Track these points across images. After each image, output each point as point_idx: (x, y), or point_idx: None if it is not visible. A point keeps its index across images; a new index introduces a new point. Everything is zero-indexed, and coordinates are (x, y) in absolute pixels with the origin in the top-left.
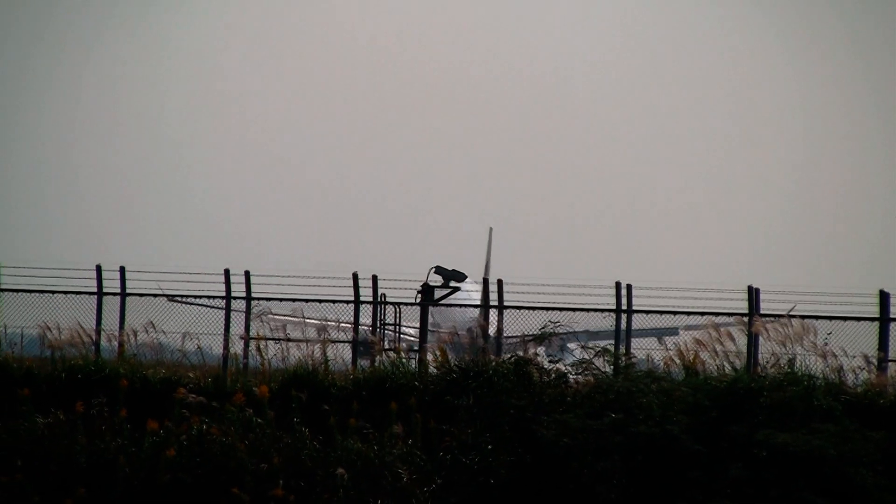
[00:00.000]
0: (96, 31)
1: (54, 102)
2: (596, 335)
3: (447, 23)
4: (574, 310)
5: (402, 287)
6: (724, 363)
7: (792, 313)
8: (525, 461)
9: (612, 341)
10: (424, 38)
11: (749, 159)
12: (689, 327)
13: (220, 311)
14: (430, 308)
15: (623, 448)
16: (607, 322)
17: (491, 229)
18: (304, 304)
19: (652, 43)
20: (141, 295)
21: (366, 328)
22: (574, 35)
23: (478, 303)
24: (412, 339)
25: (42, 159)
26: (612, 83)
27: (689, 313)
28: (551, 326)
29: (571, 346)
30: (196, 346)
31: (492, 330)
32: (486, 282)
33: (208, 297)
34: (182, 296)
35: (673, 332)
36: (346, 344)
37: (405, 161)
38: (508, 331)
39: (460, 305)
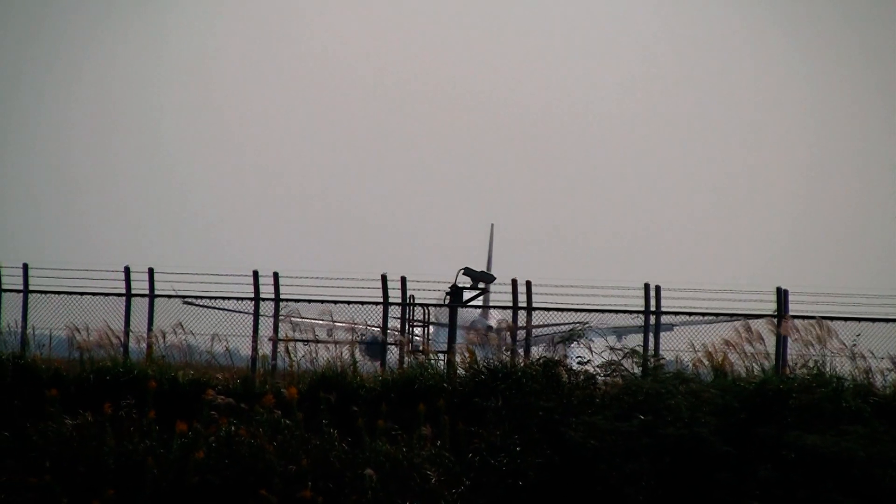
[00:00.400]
0: (126, 30)
1: (85, 104)
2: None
3: (469, 25)
4: (602, 311)
5: (430, 289)
6: (753, 364)
7: (820, 315)
8: (553, 463)
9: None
10: (446, 40)
11: (780, 160)
12: (708, 322)
13: (247, 313)
14: (434, 309)
15: (651, 450)
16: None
17: (492, 226)
18: (332, 305)
19: (678, 39)
20: (169, 297)
21: (374, 328)
22: (599, 35)
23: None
24: (419, 339)
25: (72, 162)
26: (640, 83)
27: (717, 314)
28: (580, 327)
29: (595, 341)
30: (224, 348)
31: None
32: (514, 282)
33: (237, 298)
34: (211, 297)
35: (668, 328)
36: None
37: (436, 164)
38: (537, 331)
39: (489, 307)
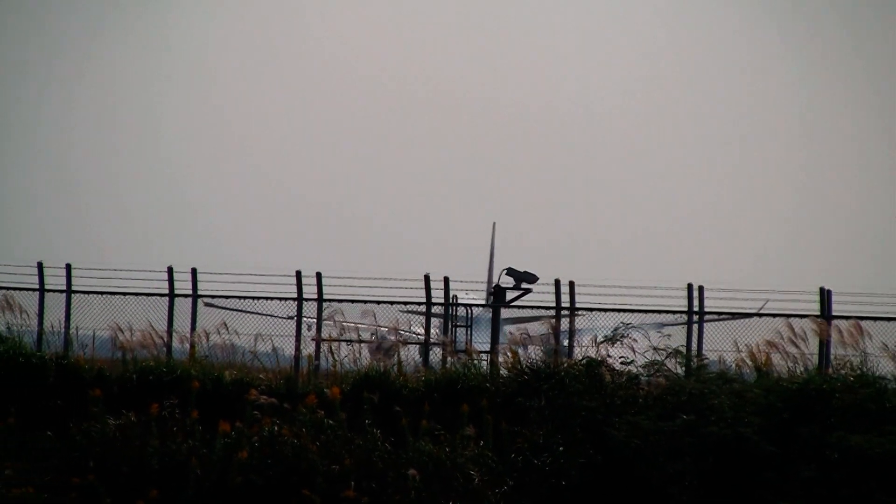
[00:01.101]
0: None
1: (130, 104)
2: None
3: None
4: (646, 311)
5: (473, 289)
6: (796, 365)
7: (862, 315)
8: (596, 463)
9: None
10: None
11: (824, 160)
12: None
13: (274, 316)
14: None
15: (695, 449)
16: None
17: (494, 224)
18: (375, 305)
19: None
20: (213, 296)
21: (384, 329)
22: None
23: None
24: (422, 336)
25: (116, 162)
26: (683, 79)
27: (760, 315)
28: (623, 328)
29: (638, 340)
30: (270, 348)
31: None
32: (557, 283)
33: (280, 298)
34: (253, 297)
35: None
36: (417, 345)
37: (479, 164)
38: (580, 334)
39: (530, 307)
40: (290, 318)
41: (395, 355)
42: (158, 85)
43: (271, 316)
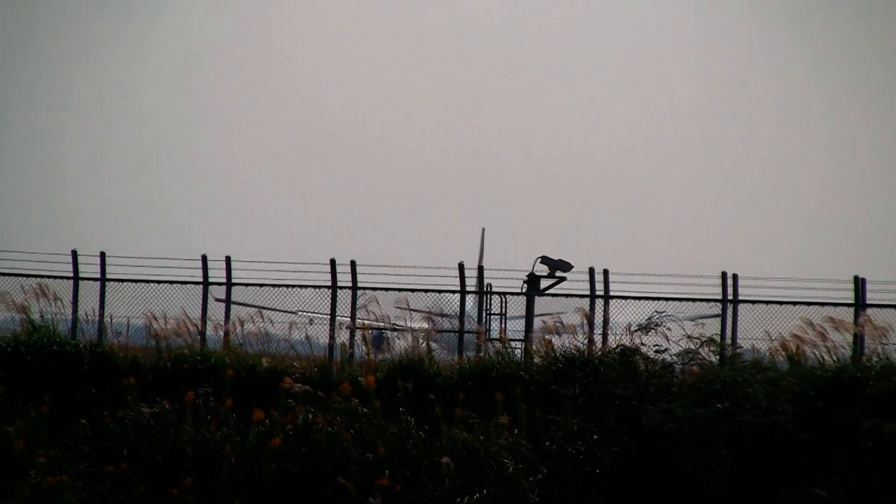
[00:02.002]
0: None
1: (162, 92)
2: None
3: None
4: (679, 300)
5: (508, 277)
6: (828, 354)
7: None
8: (630, 451)
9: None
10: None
11: (857, 147)
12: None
13: (289, 312)
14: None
15: (729, 437)
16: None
17: (483, 230)
18: (409, 293)
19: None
20: (246, 285)
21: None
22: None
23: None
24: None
25: (149, 151)
26: (717, 67)
27: (795, 303)
28: (657, 317)
29: (672, 329)
30: (304, 336)
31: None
32: (591, 271)
33: (314, 286)
34: (288, 286)
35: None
36: (452, 333)
37: (514, 152)
38: (614, 322)
39: (565, 295)
40: (300, 311)
41: (388, 348)
42: (192, 71)
43: (286, 312)
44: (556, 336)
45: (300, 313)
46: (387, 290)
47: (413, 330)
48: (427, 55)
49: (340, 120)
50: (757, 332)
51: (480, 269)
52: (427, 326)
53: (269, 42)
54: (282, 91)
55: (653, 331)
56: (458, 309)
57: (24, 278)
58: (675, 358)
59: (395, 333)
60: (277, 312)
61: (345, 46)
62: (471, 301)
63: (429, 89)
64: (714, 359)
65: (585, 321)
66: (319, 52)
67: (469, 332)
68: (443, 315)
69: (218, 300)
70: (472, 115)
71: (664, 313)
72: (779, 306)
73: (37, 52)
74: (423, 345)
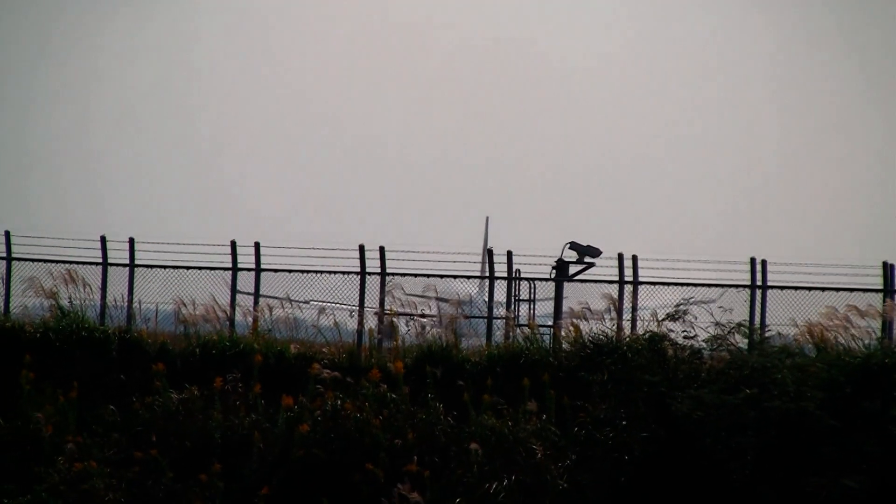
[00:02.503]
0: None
1: (190, 78)
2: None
3: None
4: (708, 285)
5: (536, 262)
6: (855, 340)
7: None
8: (659, 437)
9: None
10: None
11: (883, 134)
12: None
13: (302, 302)
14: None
15: (757, 423)
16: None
17: (487, 219)
18: (437, 279)
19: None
20: (276, 270)
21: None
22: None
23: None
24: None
25: (179, 136)
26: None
27: (823, 289)
28: (685, 304)
29: (699, 315)
30: (332, 322)
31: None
32: (620, 257)
33: (343, 272)
34: (317, 272)
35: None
36: (482, 319)
37: (543, 137)
38: (644, 307)
39: (594, 281)
40: (312, 301)
41: (393, 334)
42: (222, 56)
43: (302, 302)
44: (585, 322)
45: (311, 303)
46: (416, 275)
47: (436, 316)
48: (459, 39)
49: (369, 106)
50: (785, 318)
51: (509, 254)
52: (453, 312)
53: (299, 26)
54: (311, 78)
55: (681, 317)
56: (456, 293)
57: (54, 264)
58: (703, 344)
59: (407, 320)
60: (303, 295)
61: (376, 32)
62: (475, 287)
63: (458, 76)
64: (743, 345)
65: (614, 307)
66: (349, 38)
67: (498, 317)
68: (440, 299)
69: (241, 292)
70: (500, 101)
71: (692, 299)
72: (807, 292)
73: (67, 37)
74: (450, 331)
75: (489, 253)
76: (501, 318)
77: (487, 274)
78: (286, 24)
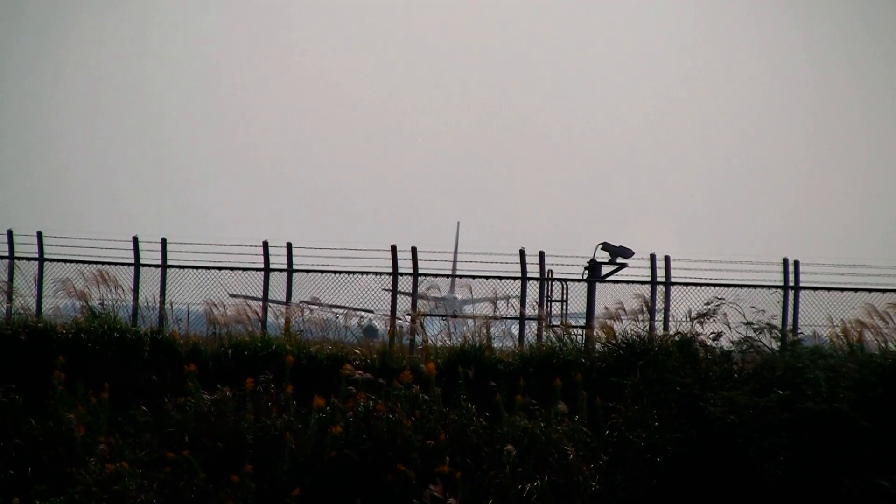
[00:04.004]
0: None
1: (222, 79)
2: None
3: None
4: (740, 286)
5: (569, 263)
6: (889, 341)
7: None
8: (691, 438)
9: None
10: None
11: None
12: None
13: (314, 304)
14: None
15: (790, 424)
16: None
17: (458, 223)
18: (470, 279)
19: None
20: (308, 271)
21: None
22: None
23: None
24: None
25: (210, 137)
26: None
27: (857, 289)
28: (715, 303)
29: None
30: (364, 323)
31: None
32: (653, 257)
33: (375, 273)
34: (349, 272)
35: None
36: (513, 321)
37: (577, 138)
38: (674, 309)
39: (626, 282)
40: (334, 307)
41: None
42: (251, 58)
43: (332, 306)
44: (617, 322)
45: (336, 311)
46: (448, 276)
47: (469, 317)
48: (489, 37)
49: (403, 107)
50: (819, 319)
51: (542, 254)
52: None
53: (335, 33)
54: (340, 82)
55: (712, 318)
56: (444, 293)
57: (86, 265)
58: (733, 345)
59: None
60: (335, 296)
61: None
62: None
63: (488, 76)
64: (774, 345)
65: (646, 308)
66: (384, 43)
67: (530, 318)
68: (428, 298)
69: (233, 296)
70: (532, 102)
71: (722, 300)
72: (840, 293)
73: (95, 38)
74: (483, 332)
75: (521, 254)
76: (533, 318)
77: (544, 271)
78: (327, 26)
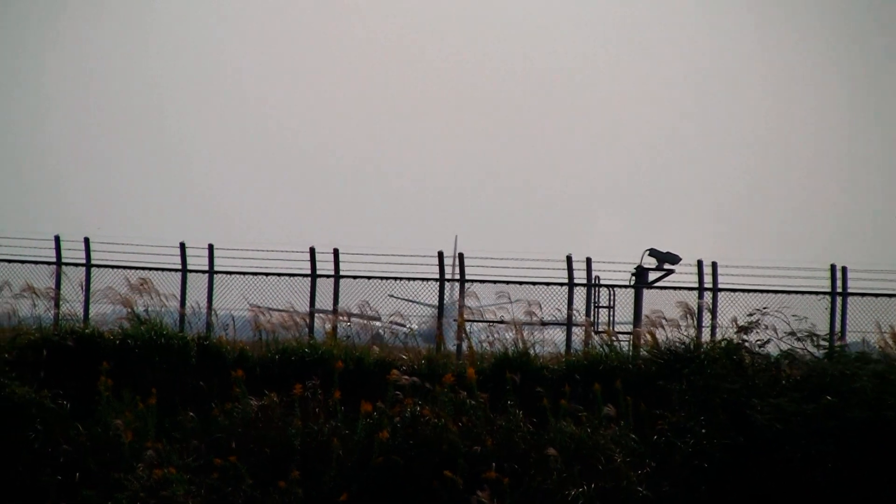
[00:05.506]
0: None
1: (266, 85)
2: None
3: None
4: (787, 292)
5: (616, 269)
6: None
7: None
8: (738, 444)
9: None
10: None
11: None
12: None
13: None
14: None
15: (837, 432)
16: None
17: (456, 237)
18: (517, 286)
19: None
20: (354, 277)
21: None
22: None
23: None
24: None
25: (259, 144)
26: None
27: None
28: (761, 312)
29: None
30: (409, 328)
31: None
32: (700, 264)
33: (423, 279)
34: (396, 278)
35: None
36: (559, 326)
37: (623, 145)
38: (721, 315)
39: (673, 288)
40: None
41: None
42: (298, 61)
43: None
44: (663, 329)
45: (380, 323)
46: (495, 282)
47: (512, 322)
48: (556, 38)
49: (450, 109)
50: (867, 325)
51: (588, 260)
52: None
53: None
54: (387, 83)
55: (759, 324)
56: (430, 300)
57: (132, 271)
58: (780, 351)
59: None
60: (382, 302)
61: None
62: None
63: (533, 78)
64: (821, 352)
65: (692, 314)
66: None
67: (578, 324)
68: (413, 303)
69: (253, 306)
70: (583, 106)
71: (757, 314)
72: (889, 299)
73: (150, 44)
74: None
75: (568, 260)
76: (581, 324)
77: (591, 277)
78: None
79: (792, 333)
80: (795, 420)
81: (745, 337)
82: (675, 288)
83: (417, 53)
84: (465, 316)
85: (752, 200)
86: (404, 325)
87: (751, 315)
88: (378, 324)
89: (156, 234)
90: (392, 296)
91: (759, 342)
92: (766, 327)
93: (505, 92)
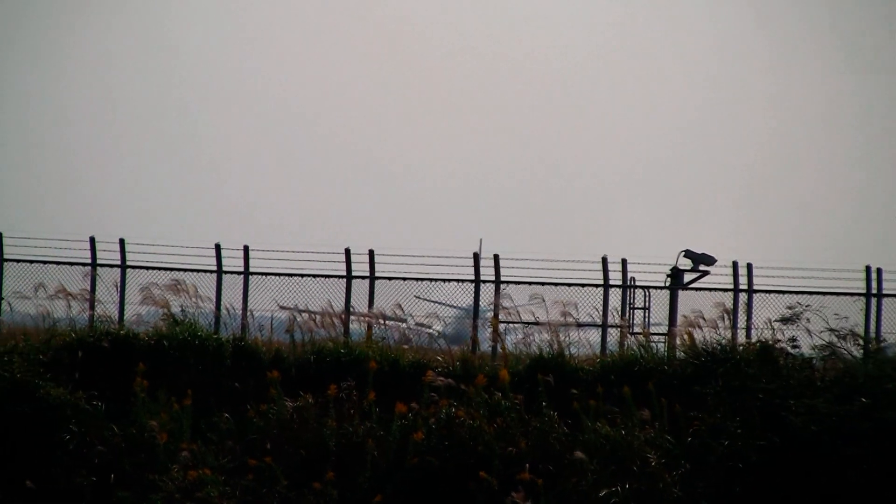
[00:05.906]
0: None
1: (298, 88)
2: None
3: None
4: (822, 293)
5: (651, 270)
6: None
7: None
8: (773, 446)
9: None
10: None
11: None
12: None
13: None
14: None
15: (872, 433)
16: None
17: (481, 240)
18: (552, 287)
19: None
20: (390, 279)
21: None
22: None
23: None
24: (431, 330)
25: (293, 145)
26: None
27: None
28: (791, 312)
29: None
30: (436, 331)
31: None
32: (735, 265)
33: (458, 280)
34: (431, 279)
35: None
36: (593, 328)
37: (658, 143)
38: (756, 316)
39: (709, 289)
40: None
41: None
42: (324, 63)
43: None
44: (698, 330)
45: (409, 326)
46: (529, 283)
47: (547, 324)
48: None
49: (488, 110)
50: None
51: (624, 261)
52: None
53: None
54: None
55: (794, 324)
56: (458, 302)
57: (167, 272)
58: (814, 352)
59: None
60: (411, 304)
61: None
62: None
63: (570, 81)
64: (857, 353)
65: (727, 315)
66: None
67: (613, 325)
68: (442, 304)
69: (283, 308)
70: (617, 104)
71: (798, 308)
72: None
73: (176, 47)
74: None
75: (604, 261)
76: (616, 325)
77: (626, 279)
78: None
79: (833, 330)
80: (830, 421)
81: (780, 336)
82: (709, 289)
83: (453, 59)
84: (499, 317)
85: (787, 201)
86: (430, 327)
87: (791, 308)
88: (404, 325)
89: (191, 237)
90: (418, 297)
91: (790, 340)
92: (802, 326)
93: (536, 90)
